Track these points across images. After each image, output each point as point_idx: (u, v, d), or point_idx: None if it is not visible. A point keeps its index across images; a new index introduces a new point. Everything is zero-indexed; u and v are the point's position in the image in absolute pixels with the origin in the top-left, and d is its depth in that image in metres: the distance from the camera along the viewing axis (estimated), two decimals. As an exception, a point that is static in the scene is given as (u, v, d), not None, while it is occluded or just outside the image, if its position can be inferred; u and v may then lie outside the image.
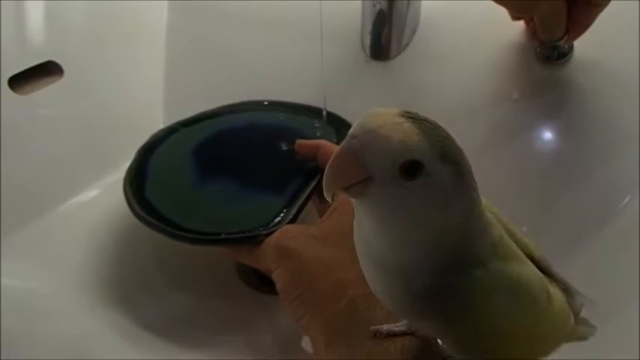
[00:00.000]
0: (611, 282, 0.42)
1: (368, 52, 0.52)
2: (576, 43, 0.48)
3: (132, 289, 0.46)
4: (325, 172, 0.22)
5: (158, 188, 0.46)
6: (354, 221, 0.25)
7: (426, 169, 0.21)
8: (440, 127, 0.22)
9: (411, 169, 0.21)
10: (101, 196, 0.51)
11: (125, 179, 0.46)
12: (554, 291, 0.27)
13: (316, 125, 0.51)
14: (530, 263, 0.26)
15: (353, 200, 0.23)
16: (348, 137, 0.21)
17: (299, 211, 0.43)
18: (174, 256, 0.48)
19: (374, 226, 0.23)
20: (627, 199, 0.44)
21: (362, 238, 0.25)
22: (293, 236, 0.37)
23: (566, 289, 0.28)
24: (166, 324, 0.44)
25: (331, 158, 0.22)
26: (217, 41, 0.59)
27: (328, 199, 0.22)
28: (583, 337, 0.30)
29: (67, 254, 0.47)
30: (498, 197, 0.46)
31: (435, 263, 0.23)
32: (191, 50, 0.60)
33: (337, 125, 0.50)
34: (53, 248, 0.47)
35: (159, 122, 0.55)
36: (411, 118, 0.21)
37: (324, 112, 0.51)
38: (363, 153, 0.21)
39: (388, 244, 0.23)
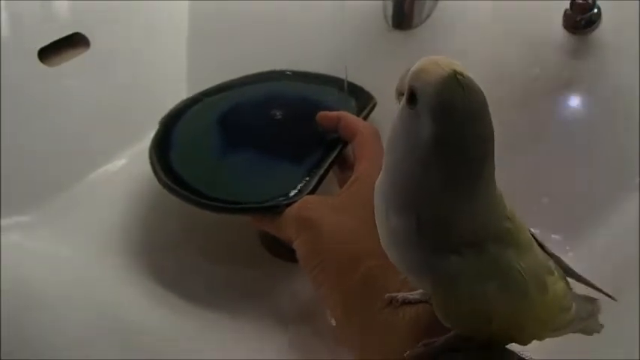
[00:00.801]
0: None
1: (390, 22, 0.52)
2: (604, 12, 0.47)
3: (160, 256, 0.48)
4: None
5: (183, 157, 0.47)
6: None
7: (418, 96, 0.23)
8: (479, 96, 0.23)
9: (410, 95, 0.23)
10: (128, 166, 0.53)
11: (151, 148, 0.48)
12: (555, 281, 0.27)
13: (337, 95, 0.51)
14: (535, 250, 0.27)
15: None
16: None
17: (319, 182, 0.43)
18: (200, 223, 0.49)
19: (386, 155, 0.25)
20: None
21: (378, 183, 0.26)
22: (313, 207, 0.38)
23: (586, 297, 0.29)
24: (192, 289, 0.46)
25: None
26: (239, 12, 0.59)
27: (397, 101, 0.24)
28: (588, 333, 0.31)
29: (97, 222, 0.48)
30: (522, 159, 0.47)
31: (415, 209, 0.24)
32: (213, 21, 0.60)
33: (357, 95, 0.51)
34: (83, 217, 0.48)
35: (182, 93, 0.56)
36: (453, 67, 0.23)
37: (346, 83, 0.51)
38: (403, 77, 0.24)
39: (386, 170, 0.25)
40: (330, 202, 0.39)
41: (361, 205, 0.36)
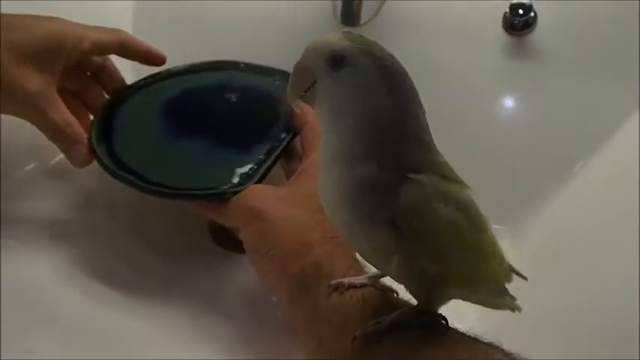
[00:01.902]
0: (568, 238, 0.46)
1: (339, 18, 0.53)
2: (540, 13, 0.50)
3: (103, 246, 0.48)
4: (288, 87, 0.27)
5: (127, 141, 0.47)
6: (320, 147, 0.28)
7: (347, 60, 0.26)
8: (370, 40, 0.26)
9: (336, 60, 0.26)
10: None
11: (90, 132, 0.47)
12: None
13: (281, 84, 0.51)
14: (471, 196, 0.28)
15: (315, 114, 0.27)
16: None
17: (267, 171, 0.44)
18: (147, 213, 0.49)
19: (326, 125, 0.27)
20: (586, 158, 0.49)
21: (321, 150, 0.28)
22: (261, 196, 0.39)
23: None
24: (138, 282, 0.45)
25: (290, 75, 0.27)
26: (190, 7, 0.59)
27: (295, 108, 0.28)
28: (511, 308, 0.32)
29: (39, 209, 0.48)
30: (464, 156, 0.49)
31: (376, 153, 0.26)
32: (160, 13, 0.60)
33: None
34: (26, 204, 0.48)
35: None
36: (346, 32, 0.26)
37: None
38: (305, 60, 0.27)
39: (336, 135, 0.27)
40: (278, 192, 0.40)
41: (308, 196, 0.37)
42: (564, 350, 0.38)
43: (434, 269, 0.27)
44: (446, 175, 0.27)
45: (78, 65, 0.49)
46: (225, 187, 0.42)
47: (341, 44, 0.26)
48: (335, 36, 0.26)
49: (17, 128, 0.49)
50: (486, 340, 0.29)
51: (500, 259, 0.29)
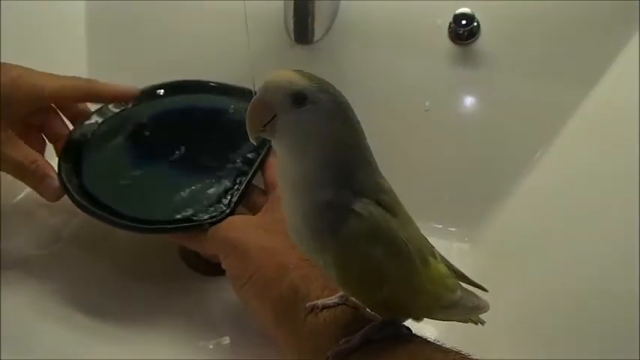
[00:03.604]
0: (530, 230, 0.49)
1: (292, 37, 0.55)
2: (482, 22, 0.53)
3: (77, 277, 0.49)
4: (246, 121, 0.29)
5: (96, 175, 0.48)
6: (279, 167, 0.31)
7: (309, 98, 0.28)
8: (322, 79, 0.29)
9: (298, 98, 0.28)
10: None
11: (59, 168, 0.48)
12: (437, 264, 0.32)
13: (244, 105, 0.53)
14: (415, 229, 0.32)
15: (274, 145, 0.30)
16: (257, 92, 0.29)
17: (240, 199, 0.46)
18: (117, 241, 0.50)
19: (288, 155, 0.29)
20: (539, 153, 0.52)
21: (282, 177, 0.31)
22: (238, 226, 0.42)
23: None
24: (110, 309, 0.47)
25: (248, 109, 0.29)
26: (143, 24, 0.61)
27: (254, 142, 0.30)
28: (475, 322, 0.36)
29: (11, 246, 0.49)
30: (419, 160, 0.52)
31: (331, 177, 0.29)
32: (115, 37, 0.62)
33: None
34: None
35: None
36: (298, 71, 0.29)
37: (254, 94, 0.53)
38: (265, 97, 0.29)
39: (297, 164, 0.29)
40: (253, 221, 0.43)
41: (281, 222, 0.38)
42: (529, 348, 0.41)
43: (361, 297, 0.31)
44: (388, 204, 0.30)
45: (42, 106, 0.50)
46: (203, 219, 0.44)
47: (302, 83, 0.28)
48: (293, 74, 0.29)
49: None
50: (448, 346, 0.31)
51: (436, 286, 0.32)
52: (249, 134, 0.29)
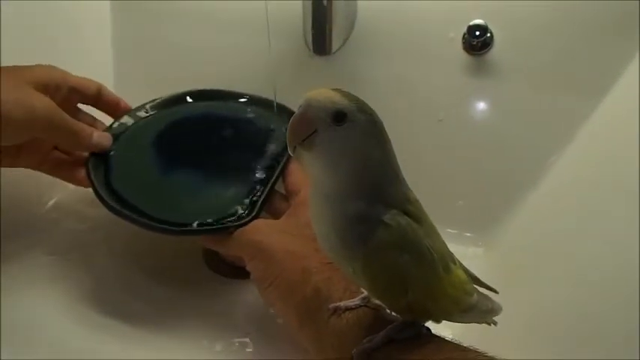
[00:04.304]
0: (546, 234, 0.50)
1: (311, 48, 0.57)
2: (496, 33, 0.55)
3: (96, 277, 0.51)
4: (287, 134, 0.31)
5: (124, 178, 0.49)
6: (310, 184, 0.33)
7: (348, 116, 0.30)
8: (356, 96, 0.31)
9: (339, 116, 0.30)
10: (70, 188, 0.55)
11: (90, 170, 0.49)
12: (457, 269, 0.34)
13: (266, 114, 0.56)
14: (439, 238, 0.33)
15: (309, 159, 0.31)
16: (298, 108, 0.31)
17: (265, 202, 0.48)
18: (142, 243, 0.52)
19: (323, 169, 0.31)
20: (551, 161, 0.54)
21: (314, 188, 0.32)
22: (263, 230, 0.44)
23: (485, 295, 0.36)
24: (133, 310, 0.48)
25: (289, 124, 0.31)
26: (165, 40, 0.63)
27: (292, 154, 0.31)
28: (488, 323, 0.38)
29: (37, 244, 0.52)
30: (435, 167, 0.54)
31: (363, 191, 0.31)
32: (139, 50, 0.64)
33: (286, 114, 0.55)
34: (25, 241, 0.51)
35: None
36: (337, 89, 0.31)
37: (275, 103, 0.56)
38: (307, 114, 0.30)
39: (331, 177, 0.31)
40: (278, 225, 0.45)
41: (305, 227, 0.41)
42: (541, 350, 0.42)
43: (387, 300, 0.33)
44: (414, 214, 0.32)
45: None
46: (229, 222, 0.45)
47: (343, 102, 0.30)
48: (334, 94, 0.30)
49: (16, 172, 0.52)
50: (467, 345, 0.33)
51: (457, 291, 0.34)
52: (288, 146, 0.31)
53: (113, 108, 0.55)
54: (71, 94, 0.52)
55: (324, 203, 0.32)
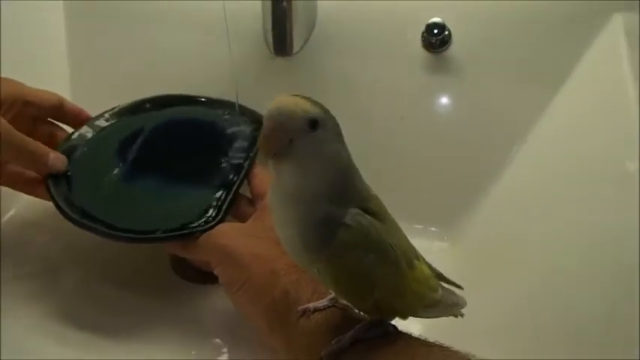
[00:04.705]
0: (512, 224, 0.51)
1: (272, 49, 0.57)
2: (454, 31, 0.56)
3: (64, 290, 0.50)
4: (259, 147, 0.31)
5: (86, 189, 0.49)
6: (272, 190, 0.33)
7: (320, 122, 0.31)
8: (316, 100, 0.32)
9: (313, 123, 0.31)
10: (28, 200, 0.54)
11: (48, 181, 0.49)
12: (421, 265, 0.35)
13: (228, 117, 0.56)
14: (401, 234, 0.34)
15: (271, 167, 0.31)
16: (267, 119, 0.30)
17: (230, 206, 0.48)
18: (107, 253, 0.52)
19: (297, 175, 0.31)
20: (513, 153, 0.55)
21: (278, 194, 0.33)
22: (229, 234, 0.44)
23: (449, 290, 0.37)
24: (103, 321, 0.48)
25: (261, 136, 0.31)
26: (122, 45, 0.62)
27: (264, 164, 0.31)
28: (455, 315, 0.39)
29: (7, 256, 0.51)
30: (399, 164, 0.55)
31: (333, 192, 0.32)
32: (95, 56, 0.63)
33: (248, 116, 0.56)
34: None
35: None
36: (298, 96, 0.31)
37: (237, 106, 0.56)
38: (284, 124, 0.30)
39: (305, 182, 0.31)
40: (244, 229, 0.45)
41: (273, 229, 0.40)
42: (508, 343, 0.43)
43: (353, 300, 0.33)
44: (375, 211, 0.33)
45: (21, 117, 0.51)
46: (194, 227, 0.45)
47: (314, 109, 0.31)
48: (302, 101, 0.31)
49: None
50: (433, 341, 0.34)
51: (421, 286, 0.35)
52: (261, 157, 0.31)
53: (75, 120, 0.54)
54: (28, 108, 0.51)
55: (289, 207, 0.32)
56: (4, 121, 0.46)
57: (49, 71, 0.61)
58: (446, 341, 0.34)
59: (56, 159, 0.49)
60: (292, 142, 0.30)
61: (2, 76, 0.51)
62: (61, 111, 0.53)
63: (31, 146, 0.48)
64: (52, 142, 0.53)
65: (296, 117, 0.30)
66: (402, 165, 0.56)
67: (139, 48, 0.62)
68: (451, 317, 0.39)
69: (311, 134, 0.30)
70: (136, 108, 0.56)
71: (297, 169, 0.31)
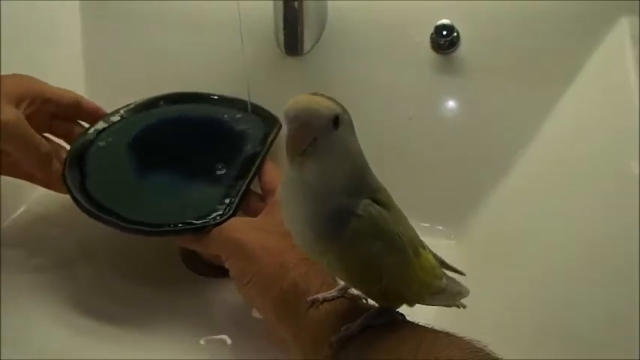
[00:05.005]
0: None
1: (283, 49, 0.58)
2: (462, 32, 0.57)
3: (79, 281, 0.51)
4: (287, 149, 0.31)
5: (100, 182, 0.50)
6: (282, 184, 0.34)
7: (340, 119, 0.31)
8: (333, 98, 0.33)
9: (336, 120, 0.31)
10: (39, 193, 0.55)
11: (65, 175, 0.50)
12: (426, 254, 0.36)
13: (240, 114, 0.57)
14: (405, 219, 0.35)
15: (296, 165, 0.32)
16: (289, 119, 0.31)
17: (241, 200, 0.49)
18: (119, 245, 0.53)
19: (317, 171, 0.32)
20: (519, 153, 0.56)
21: (292, 189, 0.33)
22: (240, 228, 0.45)
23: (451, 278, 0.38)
24: (113, 312, 0.49)
25: (288, 137, 0.31)
26: (137, 44, 0.64)
27: (293, 164, 0.31)
28: (457, 306, 0.40)
29: (17, 256, 0.52)
30: (407, 163, 0.55)
31: (349, 185, 0.32)
32: (111, 55, 0.64)
33: (260, 114, 0.57)
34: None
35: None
36: (318, 94, 0.32)
37: (249, 104, 0.57)
38: (309, 124, 0.31)
39: (325, 177, 0.32)
40: (254, 223, 0.46)
41: (281, 224, 0.41)
42: (513, 339, 0.43)
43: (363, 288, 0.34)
44: (384, 202, 0.34)
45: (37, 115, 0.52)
46: (206, 221, 0.46)
47: (335, 107, 0.31)
48: (323, 99, 0.31)
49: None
50: (441, 329, 0.35)
51: (427, 274, 0.35)
52: (290, 158, 0.31)
53: (92, 117, 0.56)
54: (47, 105, 0.52)
55: (304, 202, 0.33)
56: (18, 116, 0.47)
57: (65, 70, 0.62)
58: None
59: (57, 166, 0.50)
60: (316, 140, 0.31)
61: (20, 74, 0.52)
62: (78, 108, 0.55)
63: (41, 147, 0.49)
64: (69, 138, 0.55)
65: (321, 115, 0.31)
66: (410, 164, 0.57)
67: (152, 47, 0.63)
68: (457, 312, 0.40)
69: (333, 132, 0.31)
70: (151, 105, 0.57)
71: (320, 166, 0.32)
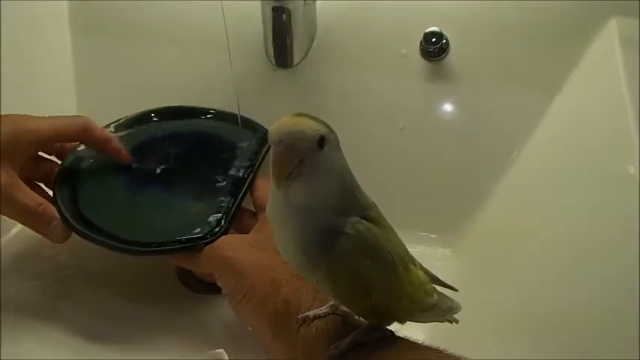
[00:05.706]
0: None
1: (273, 61, 0.58)
2: (451, 39, 0.57)
3: (73, 300, 0.51)
4: (273, 172, 0.31)
5: (91, 200, 0.50)
6: (269, 203, 0.34)
7: (326, 139, 0.31)
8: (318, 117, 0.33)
9: (321, 141, 0.31)
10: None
11: (55, 195, 0.50)
12: (416, 270, 0.36)
13: (230, 129, 0.57)
14: (398, 240, 0.35)
15: (292, 188, 0.32)
16: (274, 143, 0.31)
17: (233, 217, 0.49)
18: (113, 263, 0.53)
19: (303, 192, 0.32)
20: (512, 159, 0.56)
21: (279, 208, 0.33)
22: (232, 245, 0.45)
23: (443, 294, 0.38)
24: (108, 330, 0.49)
25: (273, 162, 0.31)
26: (127, 59, 0.64)
27: (280, 188, 0.31)
28: (450, 321, 0.40)
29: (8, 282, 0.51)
30: (401, 173, 0.55)
31: (337, 203, 0.32)
32: (101, 70, 0.65)
33: (250, 128, 0.57)
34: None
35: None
36: (302, 115, 0.32)
37: (239, 118, 0.57)
38: (294, 147, 0.31)
39: (312, 198, 0.32)
40: (246, 239, 0.46)
41: (272, 240, 0.42)
42: (509, 348, 0.43)
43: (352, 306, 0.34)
44: (374, 218, 0.34)
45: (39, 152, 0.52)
46: (198, 240, 0.46)
47: (319, 127, 0.31)
48: (307, 120, 0.31)
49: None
50: (430, 345, 0.35)
51: (417, 290, 0.35)
52: (277, 181, 0.31)
53: (103, 147, 0.53)
54: (52, 139, 0.51)
55: (292, 222, 0.33)
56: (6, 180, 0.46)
57: (55, 85, 0.62)
58: (447, 347, 0.35)
59: (56, 228, 0.49)
60: (302, 161, 0.31)
61: (9, 90, 0.52)
62: (86, 135, 0.53)
63: (34, 210, 0.48)
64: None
65: (306, 137, 0.31)
66: (403, 173, 0.57)
67: (142, 61, 0.64)
68: (453, 324, 0.40)
69: (319, 153, 0.31)
70: (141, 119, 0.57)
71: (307, 188, 0.32)
